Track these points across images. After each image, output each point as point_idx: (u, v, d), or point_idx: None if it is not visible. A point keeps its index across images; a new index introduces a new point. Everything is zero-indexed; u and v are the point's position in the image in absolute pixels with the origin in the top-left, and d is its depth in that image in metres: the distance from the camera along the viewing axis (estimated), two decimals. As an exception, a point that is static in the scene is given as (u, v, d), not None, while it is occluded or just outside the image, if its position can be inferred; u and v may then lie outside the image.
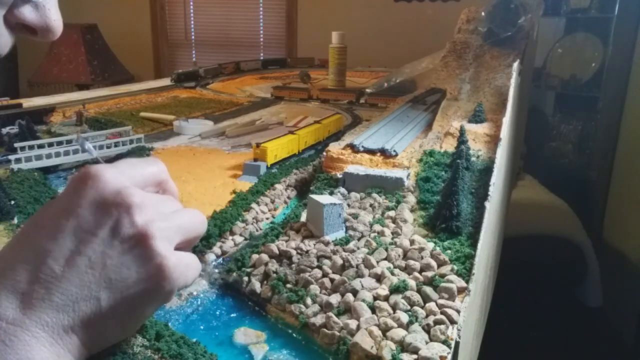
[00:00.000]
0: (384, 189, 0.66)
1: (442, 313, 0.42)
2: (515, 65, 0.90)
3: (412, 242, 0.53)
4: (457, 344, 0.40)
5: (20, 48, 4.01)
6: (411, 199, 0.63)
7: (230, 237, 0.63)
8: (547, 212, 2.41)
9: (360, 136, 0.84)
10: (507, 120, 0.75)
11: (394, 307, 0.44)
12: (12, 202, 0.68)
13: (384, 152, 0.77)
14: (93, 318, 0.34)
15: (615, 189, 2.69)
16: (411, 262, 0.49)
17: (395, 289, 0.45)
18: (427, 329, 0.41)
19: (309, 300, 0.46)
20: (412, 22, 3.50)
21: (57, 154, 0.87)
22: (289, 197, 0.78)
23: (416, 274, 0.48)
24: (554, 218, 2.39)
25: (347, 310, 0.44)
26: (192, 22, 4.21)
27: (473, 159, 0.72)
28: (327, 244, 0.53)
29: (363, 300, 0.44)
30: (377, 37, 3.49)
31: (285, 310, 0.47)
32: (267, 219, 0.70)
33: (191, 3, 4.16)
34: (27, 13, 0.39)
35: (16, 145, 0.89)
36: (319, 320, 0.44)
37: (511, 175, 1.28)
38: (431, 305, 0.43)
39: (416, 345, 0.39)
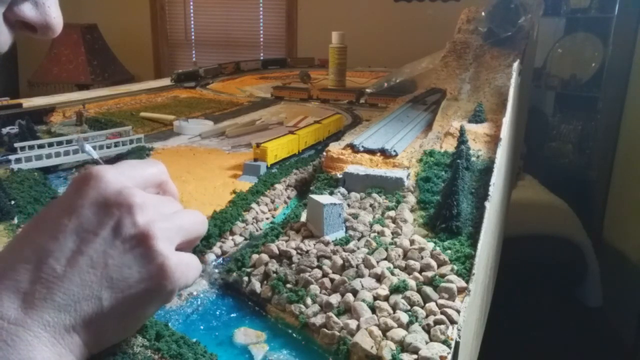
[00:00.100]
0: (384, 189, 0.66)
1: (442, 313, 0.42)
2: (515, 65, 0.90)
3: (412, 242, 0.53)
4: (457, 344, 0.40)
5: (20, 48, 4.01)
6: (411, 199, 0.63)
7: (230, 237, 0.63)
8: (547, 212, 2.41)
9: (360, 136, 0.84)
10: (507, 120, 0.75)
11: (394, 307, 0.44)
12: (12, 202, 0.68)
13: (384, 152, 0.77)
14: (94, 318, 0.34)
15: (615, 189, 2.69)
16: (411, 262, 0.49)
17: (395, 289, 0.45)
18: (427, 329, 0.41)
19: (309, 300, 0.46)
20: (412, 22, 3.50)
21: (57, 154, 0.87)
22: (289, 197, 0.78)
23: (416, 274, 0.48)
24: (554, 218, 2.39)
25: (347, 310, 0.44)
26: (192, 22, 4.21)
27: (473, 159, 0.72)
28: (327, 244, 0.53)
29: (363, 300, 0.44)
30: (377, 37, 3.49)
31: (285, 310, 0.47)
32: (267, 219, 0.70)
33: (191, 3, 4.16)
34: (27, 10, 0.39)
35: (16, 145, 0.89)
36: (319, 320, 0.44)
37: (511, 175, 1.28)
38: (431, 305, 0.43)
39: (416, 345, 0.39)
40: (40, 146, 0.90)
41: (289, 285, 0.49)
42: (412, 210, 0.61)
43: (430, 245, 0.52)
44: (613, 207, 2.69)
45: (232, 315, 0.49)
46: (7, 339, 0.32)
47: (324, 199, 0.56)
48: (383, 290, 0.45)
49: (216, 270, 0.56)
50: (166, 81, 1.96)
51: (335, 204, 0.55)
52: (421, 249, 0.51)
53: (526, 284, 2.09)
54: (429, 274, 0.47)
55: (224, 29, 4.14)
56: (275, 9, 3.99)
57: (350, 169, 0.70)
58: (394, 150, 0.77)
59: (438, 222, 0.56)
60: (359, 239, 0.54)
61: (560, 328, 2.21)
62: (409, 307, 0.43)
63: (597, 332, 2.29)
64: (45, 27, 0.40)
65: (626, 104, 2.62)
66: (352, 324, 0.42)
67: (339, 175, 0.71)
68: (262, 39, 4.09)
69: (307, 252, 0.52)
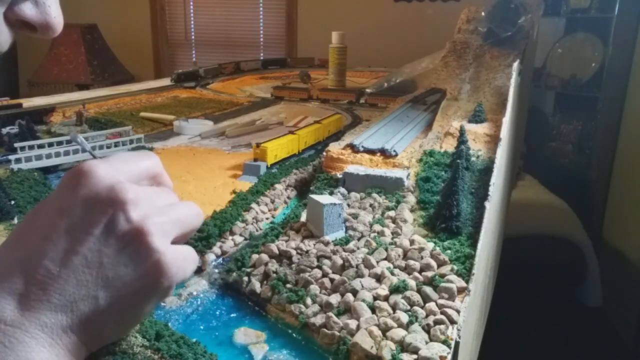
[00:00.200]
0: (384, 189, 0.66)
1: (442, 313, 0.42)
2: (515, 65, 0.90)
3: (412, 242, 0.53)
4: (457, 344, 0.40)
5: (20, 48, 4.01)
6: (411, 199, 0.63)
7: (230, 237, 0.63)
8: (547, 212, 2.41)
9: (360, 136, 0.84)
10: (507, 120, 0.75)
11: (394, 307, 0.44)
12: (12, 202, 0.68)
13: (384, 152, 0.77)
14: (92, 317, 0.34)
15: (615, 189, 2.69)
16: (411, 262, 0.49)
17: (395, 289, 0.45)
18: (427, 329, 0.41)
19: (309, 300, 0.46)
20: (412, 22, 3.50)
21: (57, 154, 0.87)
22: (289, 197, 0.78)
23: (416, 274, 0.48)
24: (554, 218, 2.39)
25: (347, 310, 0.44)
26: (192, 22, 4.20)
27: (473, 159, 0.72)
28: (327, 244, 0.53)
29: (363, 300, 0.44)
30: (377, 37, 3.48)
31: (285, 310, 0.47)
32: (267, 219, 0.70)
33: (191, 3, 4.15)
34: (27, 10, 0.39)
35: (16, 145, 0.89)
36: (319, 320, 0.44)
37: (511, 175, 1.28)
38: (431, 305, 0.43)
39: (416, 345, 0.39)
40: (40, 146, 0.90)
41: (289, 285, 0.49)
42: (412, 210, 0.61)
43: (430, 245, 0.52)
44: (613, 207, 2.69)
45: (232, 315, 0.49)
46: (5, 340, 0.32)
47: (324, 199, 0.56)
48: (383, 290, 0.45)
49: (216, 270, 0.56)
50: (166, 81, 1.96)
51: (335, 204, 0.55)
52: (421, 249, 0.51)
53: (526, 284, 2.09)
54: (429, 274, 0.47)
55: (224, 29, 4.14)
56: (275, 9, 3.99)
57: (350, 169, 0.70)
58: (394, 150, 0.77)
59: (438, 222, 0.56)
60: (359, 239, 0.54)
61: (560, 328, 2.21)
62: (408, 307, 0.43)
63: (597, 332, 2.29)
64: (46, 27, 0.40)
65: (626, 104, 2.62)
66: (352, 324, 0.42)
67: (339, 175, 0.71)
68: (262, 39, 4.08)
69: (307, 252, 0.52)
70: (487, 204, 0.56)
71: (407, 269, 0.49)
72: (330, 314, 0.44)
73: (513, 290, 1.66)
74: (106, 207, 0.35)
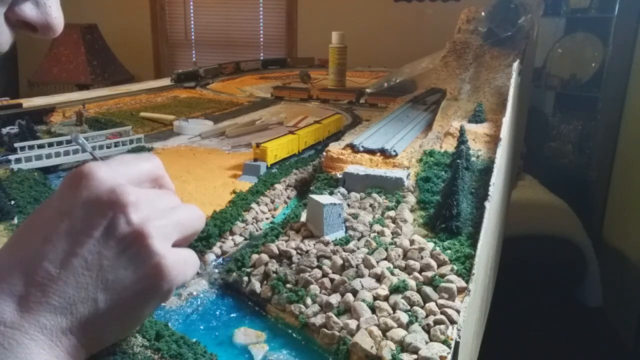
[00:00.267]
0: (384, 189, 0.66)
1: (442, 313, 0.42)
2: (515, 65, 0.90)
3: (412, 242, 0.53)
4: (457, 344, 0.40)
5: (20, 48, 4.01)
6: (411, 199, 0.63)
7: (230, 237, 0.63)
8: (547, 212, 2.41)
9: (360, 136, 0.84)
10: (507, 120, 0.75)
11: (394, 307, 0.44)
12: (12, 202, 0.68)
13: (384, 152, 0.77)
14: (91, 319, 0.34)
15: (615, 189, 2.69)
16: (411, 262, 0.49)
17: (395, 289, 0.45)
18: (427, 329, 0.41)
19: (309, 300, 0.46)
20: (412, 22, 3.50)
21: (57, 154, 0.87)
22: (289, 197, 0.78)
23: (416, 274, 0.48)
24: (554, 218, 2.39)
25: (347, 310, 0.44)
26: (192, 22, 4.21)
27: (473, 159, 0.72)
28: (327, 244, 0.53)
29: (363, 300, 0.44)
30: (377, 37, 3.49)
31: (285, 310, 0.47)
32: (267, 219, 0.70)
33: (191, 3, 4.15)
34: (27, 10, 0.39)
35: (16, 145, 0.89)
36: (319, 320, 0.44)
37: (511, 175, 1.28)
38: (431, 305, 0.43)
39: (416, 345, 0.39)
40: (40, 146, 0.90)
41: (289, 285, 0.49)
42: (412, 210, 0.61)
43: (430, 245, 0.52)
44: (613, 207, 2.69)
45: (232, 315, 0.49)
46: (4, 342, 0.31)
47: (324, 199, 0.56)
48: (383, 290, 0.45)
49: (216, 270, 0.56)
50: (166, 81, 1.96)
51: (335, 204, 0.55)
52: (421, 249, 0.51)
53: (526, 284, 2.09)
54: (429, 274, 0.47)
55: (224, 29, 4.14)
56: (275, 9, 3.99)
57: (350, 169, 0.70)
58: (394, 150, 0.77)
59: (438, 222, 0.56)
60: (359, 239, 0.54)
61: (560, 328, 2.21)
62: (408, 307, 0.43)
63: (597, 332, 2.29)
64: (46, 27, 0.40)
65: (626, 104, 2.62)
66: (352, 324, 0.42)
67: (339, 175, 0.71)
68: (262, 39, 4.08)
69: (307, 252, 0.52)
70: (487, 204, 0.56)
71: (407, 269, 0.49)
72: (330, 314, 0.44)
73: (513, 290, 1.66)
74: (107, 210, 0.35)
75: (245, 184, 0.82)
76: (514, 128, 0.94)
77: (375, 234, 0.55)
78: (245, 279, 0.52)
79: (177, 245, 0.39)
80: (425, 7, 3.55)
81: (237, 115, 1.42)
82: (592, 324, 2.31)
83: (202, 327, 0.47)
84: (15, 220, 0.64)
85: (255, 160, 0.89)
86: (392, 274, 0.48)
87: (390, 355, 0.39)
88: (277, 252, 0.53)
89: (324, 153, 0.79)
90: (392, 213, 0.60)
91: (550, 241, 2.31)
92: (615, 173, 2.70)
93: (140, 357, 0.39)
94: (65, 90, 2.83)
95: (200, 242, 0.59)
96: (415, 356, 0.38)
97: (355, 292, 0.46)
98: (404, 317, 0.42)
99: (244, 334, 0.46)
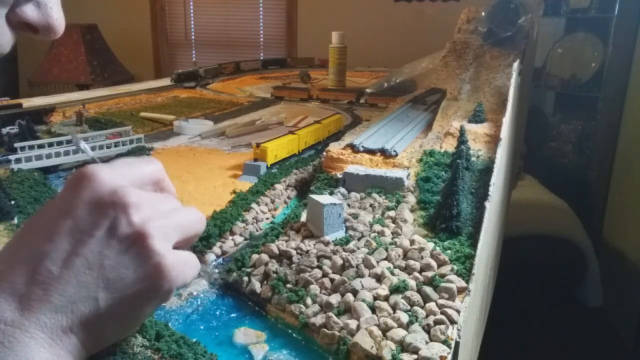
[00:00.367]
0: (384, 189, 0.66)
1: (442, 313, 0.42)
2: (515, 65, 0.90)
3: (412, 242, 0.53)
4: (457, 344, 0.40)
5: (20, 48, 4.01)
6: (411, 199, 0.63)
7: (230, 237, 0.63)
8: (547, 212, 2.41)
9: (360, 136, 0.84)
10: (507, 120, 0.75)
11: (394, 307, 0.44)
12: (12, 202, 0.68)
13: (384, 152, 0.77)
14: (92, 318, 0.34)
15: (615, 189, 2.69)
16: (411, 262, 0.49)
17: (395, 289, 0.45)
18: (427, 329, 0.41)
19: (309, 300, 0.46)
20: (412, 22, 3.50)
21: (57, 154, 0.87)
22: (289, 197, 0.78)
23: (416, 274, 0.48)
24: (554, 218, 2.39)
25: (347, 310, 0.44)
26: (192, 22, 4.21)
27: (473, 159, 0.72)
28: (327, 244, 0.53)
29: (363, 300, 0.44)
30: (377, 37, 3.49)
31: (285, 310, 0.47)
32: (267, 219, 0.70)
33: (191, 3, 4.16)
34: (29, 12, 0.39)
35: (16, 145, 0.89)
36: (319, 320, 0.44)
37: (511, 175, 1.29)
38: (431, 305, 0.43)
39: (416, 345, 0.39)
40: (40, 146, 0.90)
41: (289, 285, 0.49)
42: (412, 210, 0.61)
43: (430, 245, 0.52)
44: (613, 207, 2.69)
45: (232, 315, 0.49)
46: (4, 340, 0.32)
47: (324, 199, 0.56)
48: (383, 290, 0.45)
49: (216, 270, 0.56)
50: (166, 81, 1.96)
51: (335, 204, 0.55)
52: (421, 249, 0.51)
53: (526, 284, 2.09)
54: (429, 274, 0.47)
55: (224, 29, 4.14)
56: (275, 9, 3.99)
57: (350, 169, 0.70)
58: (394, 150, 0.77)
59: (438, 222, 0.56)
60: (359, 239, 0.54)
61: (560, 328, 2.21)
62: (409, 307, 0.43)
63: (597, 332, 2.29)
64: (47, 29, 0.40)
65: (626, 104, 2.62)
66: (352, 324, 0.42)
67: (339, 175, 0.71)
68: (262, 39, 4.09)
69: (307, 252, 0.52)
70: (487, 204, 0.56)
71: (407, 269, 0.49)
72: (330, 314, 0.44)
73: (513, 290, 1.66)
74: (108, 210, 0.36)
75: (245, 184, 0.82)
76: (514, 128, 0.94)
77: (376, 234, 0.55)
78: (246, 279, 0.52)
79: (178, 247, 0.39)
80: (425, 7, 3.55)
81: (237, 115, 1.42)
82: (592, 324, 2.31)
83: (202, 327, 0.47)
84: (15, 220, 0.64)
85: (255, 160, 0.89)
86: (392, 274, 0.48)
87: (391, 355, 0.39)
88: (277, 252, 0.53)
89: (324, 153, 0.79)
90: (392, 213, 0.60)
91: (550, 241, 2.31)
92: (615, 173, 2.70)
93: (140, 357, 0.39)
94: (65, 90, 2.83)
95: (200, 242, 0.59)
96: (415, 356, 0.38)
97: (355, 292, 0.46)
98: (404, 317, 0.42)
99: (244, 334, 0.46)
